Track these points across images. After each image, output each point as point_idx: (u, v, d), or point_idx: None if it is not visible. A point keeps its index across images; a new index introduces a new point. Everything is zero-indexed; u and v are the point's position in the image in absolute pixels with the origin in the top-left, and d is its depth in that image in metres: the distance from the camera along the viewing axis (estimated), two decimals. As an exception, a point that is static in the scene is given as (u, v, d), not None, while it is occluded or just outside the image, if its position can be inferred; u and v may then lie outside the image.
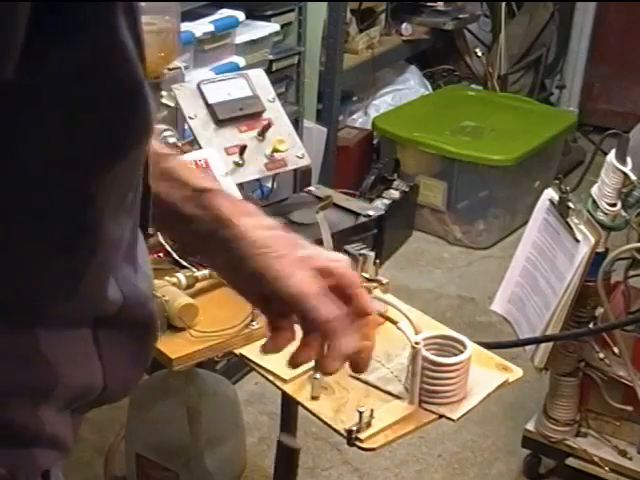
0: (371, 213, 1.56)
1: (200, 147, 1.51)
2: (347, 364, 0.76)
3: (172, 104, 1.59)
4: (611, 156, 1.85)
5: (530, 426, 2.17)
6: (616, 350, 1.93)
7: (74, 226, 0.56)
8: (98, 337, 0.62)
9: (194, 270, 1.34)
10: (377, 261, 1.37)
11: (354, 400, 1.17)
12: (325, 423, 1.15)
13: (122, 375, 0.66)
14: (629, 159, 1.84)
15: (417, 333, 1.20)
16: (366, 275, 1.32)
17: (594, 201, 1.88)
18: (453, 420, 1.16)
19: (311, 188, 1.62)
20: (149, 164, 0.64)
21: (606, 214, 1.87)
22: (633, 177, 1.83)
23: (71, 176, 0.53)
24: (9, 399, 0.57)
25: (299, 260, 0.74)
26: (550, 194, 1.93)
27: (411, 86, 3.83)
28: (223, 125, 1.54)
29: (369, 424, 1.11)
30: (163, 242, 1.38)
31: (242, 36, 2.61)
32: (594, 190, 1.89)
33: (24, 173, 0.52)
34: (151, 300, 0.68)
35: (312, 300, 0.71)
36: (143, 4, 1.63)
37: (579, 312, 1.93)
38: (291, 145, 1.57)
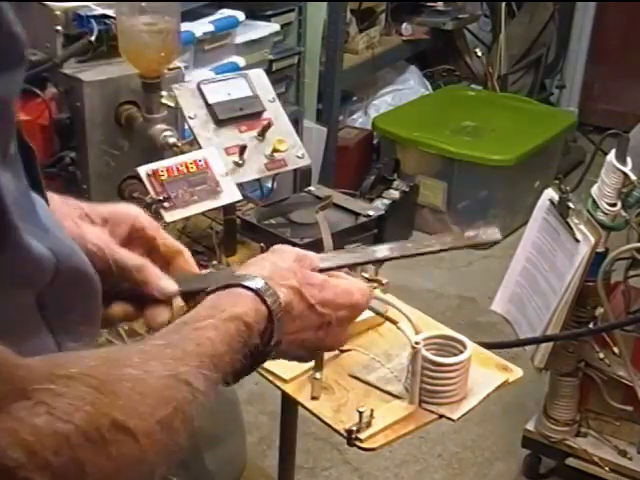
0: (371, 213, 1.56)
1: (200, 147, 1.51)
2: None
3: (172, 104, 1.59)
4: (611, 156, 1.85)
5: (530, 426, 2.17)
6: (616, 350, 1.93)
7: None
8: (44, 306, 0.62)
9: (194, 270, 1.34)
10: (377, 261, 1.37)
11: (354, 400, 1.17)
12: (325, 423, 1.15)
13: (76, 339, 0.66)
14: (629, 159, 1.84)
15: (417, 333, 1.20)
16: (366, 275, 1.31)
17: (594, 201, 1.88)
18: (453, 420, 1.16)
19: (311, 188, 1.62)
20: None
21: (606, 214, 1.86)
22: (633, 177, 1.83)
23: None
24: None
25: None
26: (550, 194, 1.93)
27: (411, 86, 3.83)
28: (223, 125, 1.54)
29: (369, 424, 1.11)
30: (163, 242, 1.38)
31: (242, 36, 2.61)
32: (594, 190, 1.89)
33: None
34: (81, 253, 0.68)
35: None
36: (143, 4, 1.63)
37: (579, 312, 1.93)
38: (291, 145, 1.57)
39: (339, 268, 0.87)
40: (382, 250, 0.93)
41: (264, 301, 0.73)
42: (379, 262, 0.92)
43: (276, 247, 0.85)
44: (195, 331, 0.66)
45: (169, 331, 0.67)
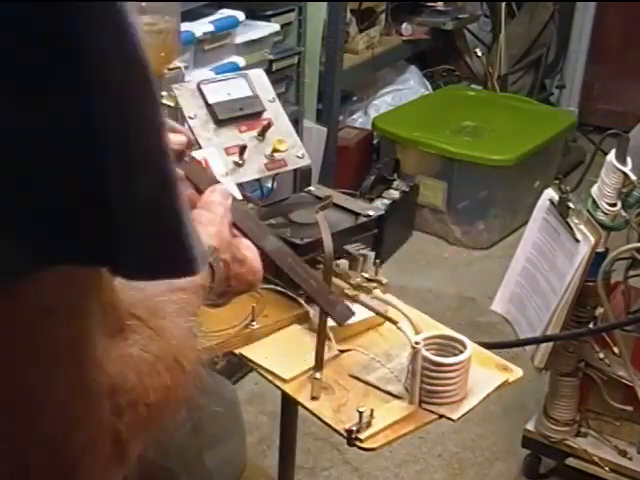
0: (371, 213, 1.55)
1: (200, 147, 1.51)
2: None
3: (172, 104, 1.59)
4: (611, 156, 1.85)
5: (530, 426, 2.17)
6: (616, 350, 1.93)
7: None
8: None
9: (194, 270, 1.34)
10: (377, 261, 1.37)
11: (354, 400, 1.17)
12: (325, 423, 1.15)
13: None
14: (629, 159, 1.84)
15: (417, 333, 1.20)
16: (366, 275, 1.32)
17: (594, 201, 1.88)
18: (453, 420, 1.16)
19: (311, 188, 1.62)
20: None
21: (606, 214, 1.87)
22: (633, 177, 1.83)
23: None
24: None
25: None
26: (550, 194, 1.93)
27: (411, 86, 3.83)
28: (223, 125, 1.54)
29: (369, 424, 1.11)
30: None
31: (242, 36, 2.61)
32: (594, 190, 1.89)
33: None
34: None
35: None
36: (143, 4, 1.63)
37: (579, 312, 1.93)
38: (291, 145, 1.56)
39: (239, 229, 0.92)
40: (271, 242, 0.98)
41: (212, 275, 0.80)
42: (257, 248, 0.95)
43: (209, 199, 0.90)
44: (182, 291, 0.71)
45: (159, 284, 0.70)
